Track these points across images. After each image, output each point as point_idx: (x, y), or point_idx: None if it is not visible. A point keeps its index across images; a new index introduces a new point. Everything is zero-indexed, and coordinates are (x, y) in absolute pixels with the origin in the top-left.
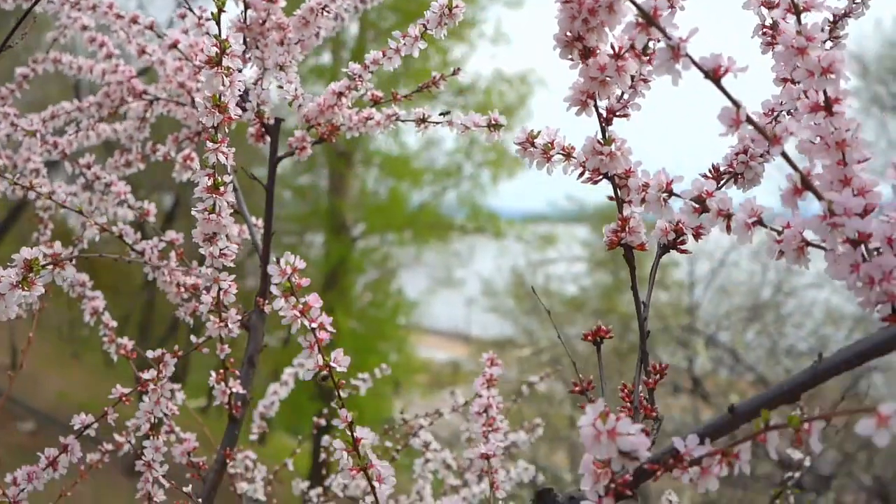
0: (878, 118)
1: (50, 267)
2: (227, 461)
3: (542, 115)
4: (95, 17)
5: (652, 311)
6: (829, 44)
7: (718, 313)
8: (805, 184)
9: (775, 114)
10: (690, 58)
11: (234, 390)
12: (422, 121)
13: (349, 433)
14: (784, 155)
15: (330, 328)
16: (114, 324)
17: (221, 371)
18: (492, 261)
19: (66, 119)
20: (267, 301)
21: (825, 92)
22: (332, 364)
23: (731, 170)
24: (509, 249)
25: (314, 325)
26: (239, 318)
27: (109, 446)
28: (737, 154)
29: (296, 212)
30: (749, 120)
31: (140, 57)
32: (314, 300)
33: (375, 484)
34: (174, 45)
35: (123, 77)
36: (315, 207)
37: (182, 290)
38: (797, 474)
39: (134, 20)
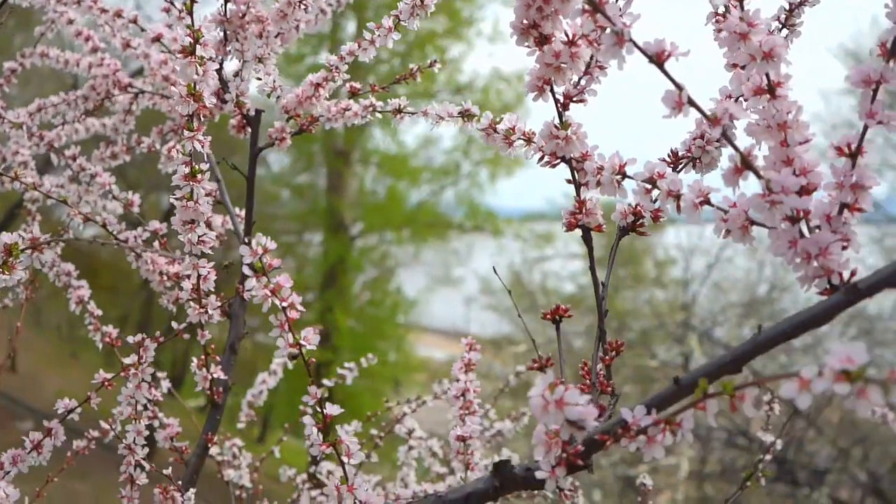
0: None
1: (29, 251)
2: (209, 445)
3: (539, 113)
4: (81, 12)
5: (649, 310)
6: (784, 31)
7: (714, 310)
8: (745, 163)
9: (732, 100)
10: (634, 43)
11: (215, 376)
12: (398, 111)
13: (319, 410)
14: (725, 136)
15: (300, 307)
16: (98, 312)
17: (202, 357)
18: (489, 259)
19: (54, 112)
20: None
21: (767, 75)
22: (302, 342)
23: (688, 154)
24: (507, 248)
25: (285, 304)
26: (219, 304)
27: (95, 433)
28: (694, 139)
29: (294, 211)
30: (691, 102)
31: (125, 50)
32: (285, 280)
33: (344, 459)
34: (157, 39)
35: (109, 70)
36: (313, 206)
37: (165, 278)
38: (768, 457)
39: (118, 14)
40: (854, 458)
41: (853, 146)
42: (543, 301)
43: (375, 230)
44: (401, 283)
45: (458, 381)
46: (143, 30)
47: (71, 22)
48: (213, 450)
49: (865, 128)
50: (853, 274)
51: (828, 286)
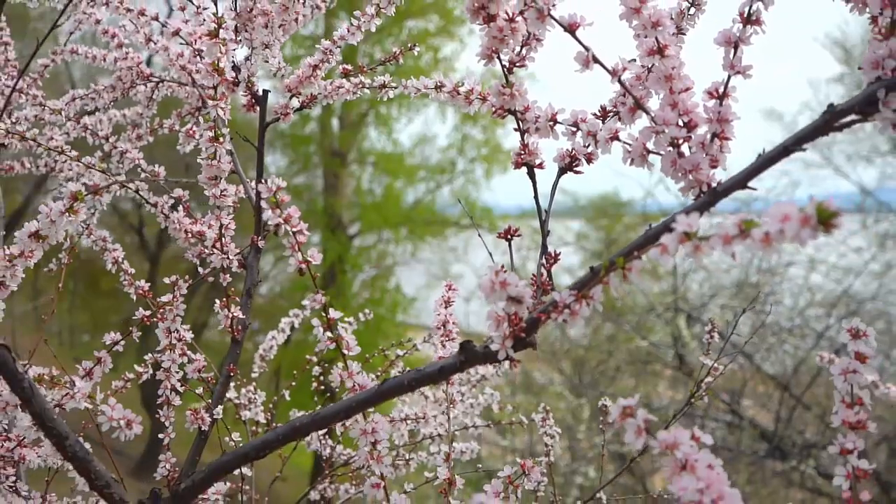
0: None
1: (91, 196)
2: (231, 375)
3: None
4: (109, 11)
5: (645, 301)
6: (692, 9)
7: (704, 293)
8: (637, 104)
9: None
10: (553, 17)
11: (235, 315)
12: (383, 86)
13: (325, 314)
14: (622, 84)
15: (306, 232)
16: (132, 270)
17: (225, 299)
18: (485, 255)
19: (86, 101)
20: (262, 238)
21: (657, 39)
22: (309, 258)
23: (614, 109)
24: (503, 243)
25: (295, 229)
26: (238, 251)
27: (131, 375)
28: (618, 96)
29: None
30: (595, 60)
31: (146, 45)
32: (294, 211)
33: (345, 351)
34: (176, 33)
35: (133, 63)
36: (311, 207)
37: (189, 236)
38: (709, 379)
39: (141, 13)
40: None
41: (720, 91)
42: None
43: (373, 229)
44: (399, 281)
45: (439, 314)
46: (163, 25)
47: (98, 22)
48: (231, 394)
49: (729, 76)
50: (718, 184)
51: (700, 193)
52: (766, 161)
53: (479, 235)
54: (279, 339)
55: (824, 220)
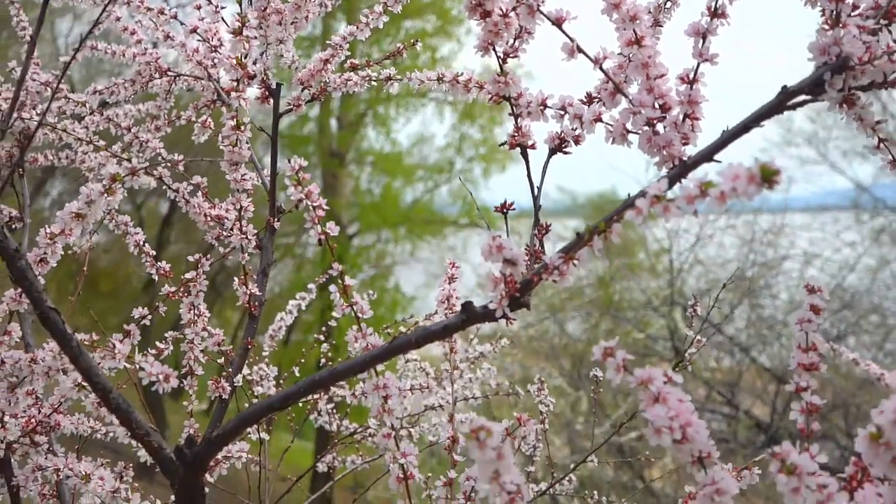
0: (874, 93)
1: (129, 177)
2: (249, 347)
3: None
4: (130, 11)
5: (643, 298)
6: (668, 3)
7: (700, 286)
8: (616, 89)
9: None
10: (542, 12)
11: (252, 292)
12: (389, 79)
13: (341, 282)
14: (603, 71)
15: (325, 207)
16: (153, 252)
17: (243, 276)
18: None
19: (105, 94)
20: (276, 220)
21: (635, 31)
22: (328, 230)
23: (598, 95)
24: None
25: (315, 204)
26: (256, 231)
27: (154, 350)
28: (602, 83)
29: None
30: (579, 49)
31: (165, 41)
32: (314, 188)
33: (359, 315)
34: (194, 30)
35: (151, 58)
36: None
37: (208, 219)
38: (692, 350)
39: (161, 12)
40: (835, 423)
41: (691, 77)
42: (543, 292)
43: (372, 229)
44: (398, 280)
45: (443, 289)
46: (182, 24)
47: (118, 19)
48: (244, 370)
49: (698, 64)
50: (688, 159)
51: (673, 166)
52: (729, 136)
53: (483, 220)
54: (287, 320)
55: (767, 177)
